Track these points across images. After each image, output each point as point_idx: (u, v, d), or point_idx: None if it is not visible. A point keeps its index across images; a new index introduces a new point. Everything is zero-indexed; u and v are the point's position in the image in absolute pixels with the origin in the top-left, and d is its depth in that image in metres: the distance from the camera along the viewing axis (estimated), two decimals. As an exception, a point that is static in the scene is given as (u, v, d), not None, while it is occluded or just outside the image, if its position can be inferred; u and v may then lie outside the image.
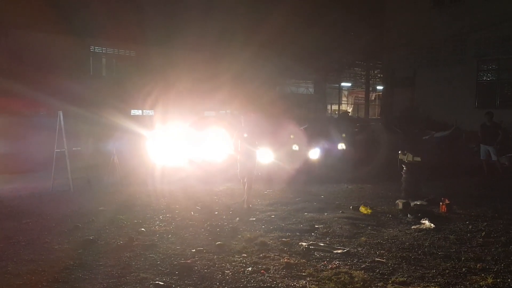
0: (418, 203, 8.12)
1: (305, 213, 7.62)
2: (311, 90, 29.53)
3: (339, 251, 5.52)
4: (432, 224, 6.62)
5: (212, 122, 13.13)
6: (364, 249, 5.63)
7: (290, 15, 21.73)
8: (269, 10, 21.47)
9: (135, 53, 21.39)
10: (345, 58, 24.74)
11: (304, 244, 5.79)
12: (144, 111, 20.26)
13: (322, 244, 5.79)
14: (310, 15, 23.48)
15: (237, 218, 7.29)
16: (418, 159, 9.07)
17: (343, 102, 31.59)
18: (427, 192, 9.06)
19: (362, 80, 30.21)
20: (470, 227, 6.61)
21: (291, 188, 10.02)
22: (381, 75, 26.55)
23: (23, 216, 7.36)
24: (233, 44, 21.21)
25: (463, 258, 5.19)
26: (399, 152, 9.44)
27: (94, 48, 20.66)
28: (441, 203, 7.73)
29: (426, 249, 5.61)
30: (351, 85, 30.88)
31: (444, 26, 17.47)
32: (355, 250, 5.60)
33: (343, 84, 30.68)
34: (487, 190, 9.76)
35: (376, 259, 5.24)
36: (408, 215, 7.33)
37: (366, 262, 5.12)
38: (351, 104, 32.99)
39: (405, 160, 9.19)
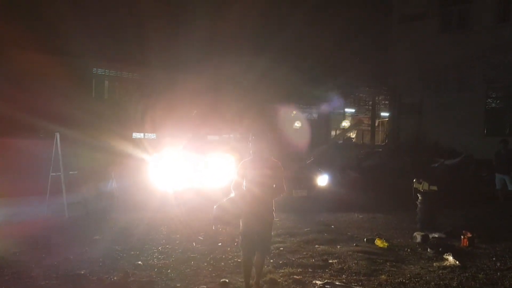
0: (437, 235, 7.57)
1: (316, 246, 7.07)
2: (315, 115, 29.15)
3: (358, 292, 4.96)
4: (456, 261, 6.05)
5: (214, 146, 12.69)
6: (386, 290, 5.07)
7: (294, 40, 21.56)
8: (273, 35, 21.30)
9: (138, 75, 21.12)
10: (350, 84, 24.46)
11: (318, 282, 5.23)
12: (146, 134, 19.86)
13: (338, 284, 5.23)
14: (315, 40, 23.32)
15: (243, 250, 6.72)
16: (435, 188, 8.57)
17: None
18: (443, 224, 8.53)
19: (366, 106, 29.85)
20: (498, 264, 6.04)
21: (298, 217, 9.45)
22: (386, 102, 26.23)
23: (12, 245, 6.79)
24: (236, 69, 20.96)
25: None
26: (414, 180, 8.94)
27: (97, 70, 20.39)
28: (462, 237, 7.17)
29: (457, 291, 5.05)
30: (355, 111, 30.54)
31: (452, 51, 17.18)
32: (376, 291, 5.04)
33: (346, 109, 30.32)
34: (507, 221, 9.19)
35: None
36: (428, 250, 6.77)
37: (390, 306, 4.57)
38: (355, 130, 32.60)
39: (420, 189, 8.68)
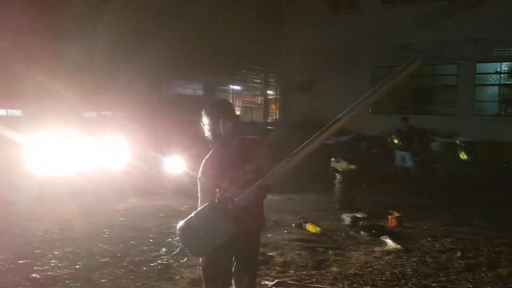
0: (360, 216, 7.31)
1: (244, 236, 6.29)
2: (200, 92, 28.11)
3: (319, 291, 4.32)
4: (397, 245, 5.79)
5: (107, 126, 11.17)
6: (346, 285, 4.51)
7: (179, 14, 20.18)
8: (155, 5, 19.64)
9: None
10: (239, 61, 23.88)
11: (268, 283, 4.47)
12: (8, 110, 16.95)
13: (293, 282, 4.53)
14: (202, 15, 22.18)
15: (163, 249, 5.65)
16: (353, 167, 8.38)
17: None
18: (360, 202, 8.41)
19: (251, 84, 29.67)
20: (437, 245, 5.90)
21: (210, 203, 8.58)
22: (272, 80, 26.28)
23: None
24: (114, 39, 18.92)
25: (466, 291, 4.37)
26: (332, 159, 8.67)
27: None
28: (390, 217, 7.00)
29: (413, 279, 4.68)
30: (241, 89, 30.22)
31: (341, 31, 17.50)
32: (336, 287, 4.45)
33: (232, 87, 29.82)
34: (415, 197, 9.45)
35: (372, 301, 4.15)
36: (362, 233, 6.44)
37: (362, 307, 4.00)
38: (240, 107, 32.40)
39: (338, 168, 8.42)
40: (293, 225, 6.88)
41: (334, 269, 4.95)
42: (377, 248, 5.75)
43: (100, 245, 5.74)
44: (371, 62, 17.60)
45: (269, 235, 6.33)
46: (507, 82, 15.57)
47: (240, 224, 2.91)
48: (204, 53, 22.55)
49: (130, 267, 4.99)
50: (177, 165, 9.97)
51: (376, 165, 12.61)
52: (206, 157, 3.10)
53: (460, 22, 15.29)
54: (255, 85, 28.00)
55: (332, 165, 8.56)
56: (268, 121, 26.37)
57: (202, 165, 3.07)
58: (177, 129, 11.71)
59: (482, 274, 4.80)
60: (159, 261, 5.19)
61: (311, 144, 2.86)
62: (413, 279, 4.66)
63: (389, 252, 5.57)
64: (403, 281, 4.63)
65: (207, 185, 3.03)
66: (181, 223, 2.91)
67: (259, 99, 31.57)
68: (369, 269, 4.98)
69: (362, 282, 4.59)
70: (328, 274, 4.80)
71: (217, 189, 3.05)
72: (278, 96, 24.33)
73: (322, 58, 18.35)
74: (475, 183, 10.83)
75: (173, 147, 10.45)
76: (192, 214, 2.91)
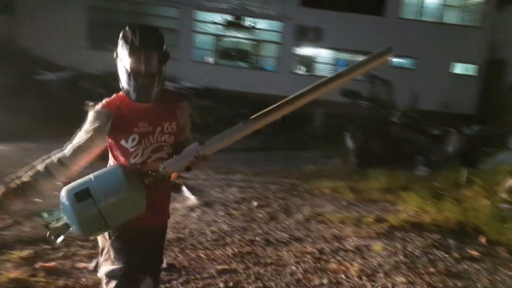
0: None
1: None
2: None
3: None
4: (196, 199, 5.52)
5: None
6: (177, 252, 3.96)
7: None
8: None
9: None
10: None
11: (89, 265, 3.51)
12: None
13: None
14: None
15: None
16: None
17: None
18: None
19: None
20: (230, 196, 5.86)
21: None
22: None
23: None
24: None
25: (284, 241, 4.49)
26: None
27: None
28: (165, 168, 6.56)
29: (235, 235, 4.51)
30: None
31: None
32: (172, 259, 3.85)
33: None
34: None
35: (219, 267, 3.76)
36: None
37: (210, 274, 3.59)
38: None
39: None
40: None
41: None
42: (177, 205, 5.30)
43: None
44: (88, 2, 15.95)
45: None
46: (222, 33, 16.81)
47: (151, 206, 2.09)
48: None
49: None
50: None
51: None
52: (107, 99, 2.13)
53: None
54: None
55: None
56: None
57: (97, 107, 2.09)
58: None
59: (286, 222, 5.09)
60: None
61: (275, 111, 2.15)
62: (235, 235, 4.51)
63: (192, 208, 5.23)
64: (228, 238, 4.42)
65: (92, 135, 2.08)
66: (74, 185, 1.93)
67: None
68: (186, 230, 4.54)
69: (191, 247, 4.13)
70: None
71: (114, 151, 2.14)
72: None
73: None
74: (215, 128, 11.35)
75: None
76: (91, 176, 1.97)
